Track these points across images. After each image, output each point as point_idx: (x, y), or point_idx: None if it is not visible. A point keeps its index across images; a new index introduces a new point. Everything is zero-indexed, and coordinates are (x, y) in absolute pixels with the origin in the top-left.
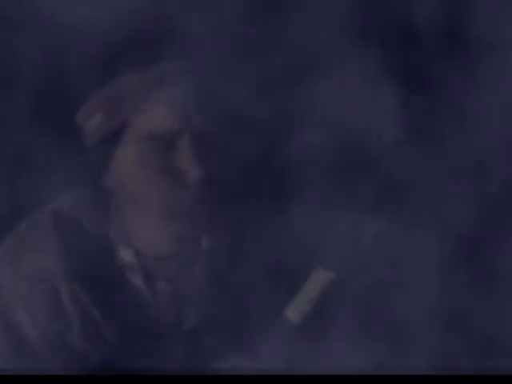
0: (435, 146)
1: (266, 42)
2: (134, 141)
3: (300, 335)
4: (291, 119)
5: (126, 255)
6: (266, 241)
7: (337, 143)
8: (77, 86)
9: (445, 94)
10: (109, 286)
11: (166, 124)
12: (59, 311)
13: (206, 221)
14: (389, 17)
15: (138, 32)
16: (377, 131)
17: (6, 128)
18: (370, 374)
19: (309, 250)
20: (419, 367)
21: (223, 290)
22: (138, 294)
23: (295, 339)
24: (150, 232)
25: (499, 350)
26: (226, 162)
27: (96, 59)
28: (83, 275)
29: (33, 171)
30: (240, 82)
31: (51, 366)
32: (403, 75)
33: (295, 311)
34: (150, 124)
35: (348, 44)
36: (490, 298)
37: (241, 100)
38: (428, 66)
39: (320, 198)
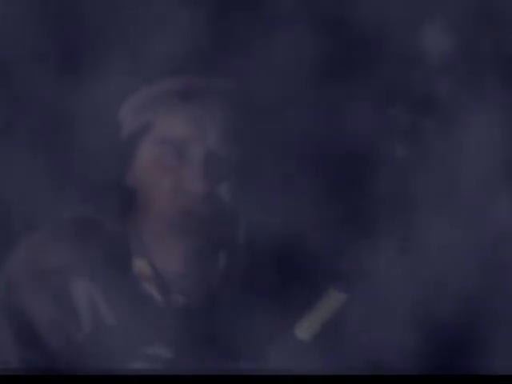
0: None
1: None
2: (152, 142)
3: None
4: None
5: (140, 264)
6: (278, 254)
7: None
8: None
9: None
10: (123, 292)
11: (179, 130)
12: (71, 312)
13: (215, 236)
14: None
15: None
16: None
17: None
18: (370, 374)
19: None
20: (419, 367)
21: (235, 307)
22: (152, 303)
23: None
24: (162, 247)
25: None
26: (232, 181)
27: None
28: (99, 278)
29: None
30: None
31: (56, 365)
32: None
33: (305, 330)
34: (166, 128)
35: None
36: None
37: (265, 127)
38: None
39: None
